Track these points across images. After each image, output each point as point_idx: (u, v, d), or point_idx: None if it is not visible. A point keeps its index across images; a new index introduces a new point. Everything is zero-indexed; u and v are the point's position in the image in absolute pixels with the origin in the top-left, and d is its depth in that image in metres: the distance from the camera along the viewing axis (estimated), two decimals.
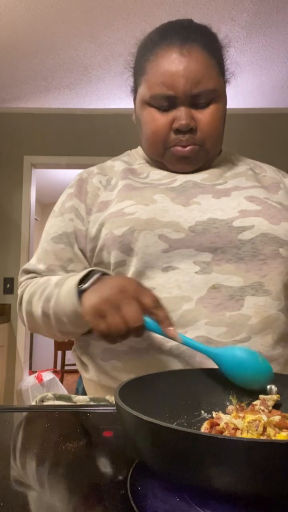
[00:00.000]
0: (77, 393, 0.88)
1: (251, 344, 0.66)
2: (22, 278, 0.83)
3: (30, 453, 0.47)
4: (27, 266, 0.83)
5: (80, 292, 0.63)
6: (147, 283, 0.69)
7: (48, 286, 0.71)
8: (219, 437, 0.32)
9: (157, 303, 0.58)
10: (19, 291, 0.81)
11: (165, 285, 0.68)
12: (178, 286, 0.68)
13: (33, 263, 0.82)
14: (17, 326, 3.18)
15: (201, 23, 0.79)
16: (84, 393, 0.82)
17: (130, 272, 0.70)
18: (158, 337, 0.67)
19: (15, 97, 3.14)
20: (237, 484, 0.32)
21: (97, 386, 0.75)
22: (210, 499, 0.34)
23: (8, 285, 3.20)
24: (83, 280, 0.65)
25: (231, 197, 0.74)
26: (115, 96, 3.10)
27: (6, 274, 3.22)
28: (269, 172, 0.85)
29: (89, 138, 3.32)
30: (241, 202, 0.73)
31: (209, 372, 0.57)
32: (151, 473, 0.39)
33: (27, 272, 0.82)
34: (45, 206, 6.08)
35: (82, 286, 0.64)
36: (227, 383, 0.55)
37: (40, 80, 2.89)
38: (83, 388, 0.83)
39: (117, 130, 3.31)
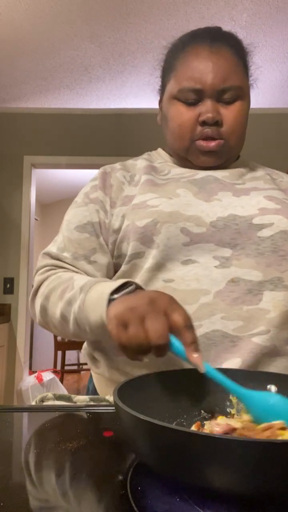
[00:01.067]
0: (88, 390, 0.87)
1: (269, 338, 0.66)
2: (44, 261, 0.78)
3: (30, 453, 0.47)
4: (49, 250, 0.79)
5: (109, 302, 0.59)
6: (166, 275, 0.69)
7: (71, 287, 0.68)
8: (217, 436, 0.32)
9: (188, 322, 0.52)
10: (37, 278, 0.76)
11: (184, 277, 0.68)
12: (196, 280, 0.68)
13: (55, 251, 0.78)
14: (17, 326, 3.18)
15: (229, 31, 0.83)
16: (94, 390, 0.82)
17: (149, 263, 0.70)
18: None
19: (15, 97, 3.14)
20: (235, 483, 0.32)
21: (108, 382, 0.76)
22: (210, 499, 0.34)
23: (8, 285, 3.20)
24: (115, 291, 0.61)
25: (250, 196, 0.75)
26: (115, 96, 3.10)
27: (6, 274, 3.22)
28: (285, 178, 0.86)
29: (89, 138, 3.32)
30: (260, 200, 0.73)
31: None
32: (151, 473, 0.39)
33: (51, 257, 0.78)
34: (45, 206, 6.08)
35: (113, 296, 0.60)
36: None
37: (40, 80, 2.89)
38: (94, 385, 0.82)
39: (117, 130, 3.31)
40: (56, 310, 0.70)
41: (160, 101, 0.88)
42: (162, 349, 0.50)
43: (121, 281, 0.62)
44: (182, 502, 0.35)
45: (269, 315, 0.67)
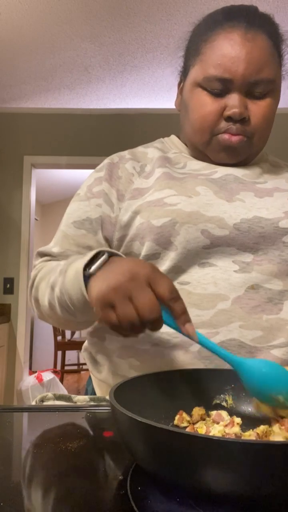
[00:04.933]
0: (86, 393, 0.85)
1: None
2: (36, 261, 0.77)
3: (30, 453, 0.47)
4: (41, 248, 0.78)
5: (87, 277, 0.56)
6: (182, 277, 0.66)
7: (54, 272, 0.66)
8: (214, 438, 0.32)
9: (174, 293, 0.50)
10: (32, 274, 0.75)
11: (201, 280, 0.65)
12: (214, 283, 0.64)
13: (49, 246, 0.77)
14: (17, 326, 3.18)
15: (266, 13, 0.74)
16: (93, 393, 0.80)
17: (165, 266, 0.66)
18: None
19: (15, 97, 3.14)
20: (234, 485, 0.32)
21: (109, 388, 0.72)
22: (210, 499, 0.34)
23: (8, 285, 3.20)
24: (89, 264, 0.57)
25: (274, 198, 0.70)
26: (115, 96, 3.10)
27: (6, 274, 3.22)
28: None
29: (89, 138, 3.32)
30: (285, 203, 0.69)
31: (206, 372, 0.57)
32: (151, 473, 0.39)
33: (42, 254, 0.77)
34: (45, 206, 6.08)
35: (88, 271, 0.57)
36: (223, 383, 0.55)
37: (40, 80, 2.89)
38: (93, 388, 0.80)
39: (117, 130, 3.31)
40: (44, 298, 0.67)
41: (180, 84, 0.80)
42: (156, 322, 0.49)
43: (91, 254, 0.58)
44: (182, 502, 0.35)
45: None
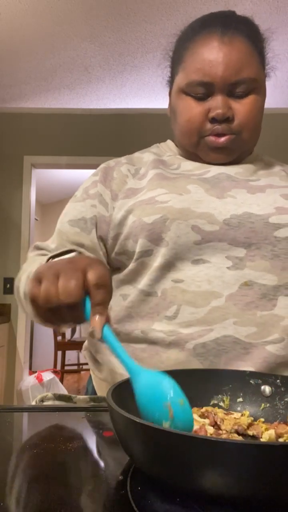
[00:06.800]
0: (86, 392, 0.86)
1: (284, 346, 0.63)
2: (30, 253, 0.80)
3: (30, 453, 0.47)
4: (39, 243, 0.81)
5: None
6: (176, 274, 0.66)
7: (34, 265, 0.69)
8: (212, 439, 0.32)
9: (99, 281, 0.47)
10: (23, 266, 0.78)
11: (194, 278, 0.65)
12: (208, 281, 0.65)
13: (48, 242, 0.81)
14: (17, 326, 3.18)
15: (244, 15, 0.77)
16: (93, 392, 0.81)
17: (157, 262, 0.67)
18: (181, 333, 0.64)
19: (15, 97, 3.14)
20: (233, 487, 0.32)
21: (110, 386, 0.73)
22: (210, 500, 0.34)
23: (8, 285, 3.20)
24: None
25: (266, 194, 0.71)
26: (115, 96, 3.10)
27: (6, 274, 3.22)
28: None
29: (89, 138, 3.32)
30: (277, 199, 0.70)
31: (203, 372, 0.57)
32: None
33: (38, 248, 0.80)
34: (45, 206, 6.08)
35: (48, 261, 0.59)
36: (221, 384, 0.55)
37: (40, 80, 2.89)
38: (93, 387, 0.81)
39: (117, 130, 3.31)
40: (21, 290, 0.70)
41: (170, 93, 0.83)
42: (72, 308, 0.47)
43: (62, 250, 0.63)
44: (183, 503, 0.35)
45: (284, 322, 0.64)
